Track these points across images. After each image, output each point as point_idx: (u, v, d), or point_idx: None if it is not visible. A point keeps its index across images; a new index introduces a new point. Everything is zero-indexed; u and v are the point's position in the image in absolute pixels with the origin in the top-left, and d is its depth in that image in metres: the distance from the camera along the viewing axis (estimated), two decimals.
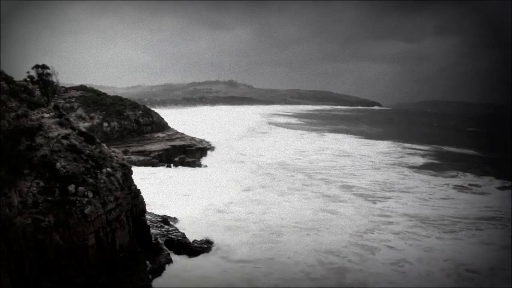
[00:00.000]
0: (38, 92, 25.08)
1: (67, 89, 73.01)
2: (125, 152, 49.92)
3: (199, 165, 56.14)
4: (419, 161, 65.42)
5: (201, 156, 60.77)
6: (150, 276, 20.77)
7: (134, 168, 24.85)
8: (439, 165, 61.22)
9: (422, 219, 33.13)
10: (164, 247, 24.13)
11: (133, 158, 53.41)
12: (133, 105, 73.62)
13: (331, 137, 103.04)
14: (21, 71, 27.92)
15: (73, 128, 21.96)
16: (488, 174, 51.87)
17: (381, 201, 39.21)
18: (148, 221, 25.29)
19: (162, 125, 73.88)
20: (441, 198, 40.63)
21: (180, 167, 55.21)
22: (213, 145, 66.06)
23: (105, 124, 64.10)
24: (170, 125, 76.66)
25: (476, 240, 28.80)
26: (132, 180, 22.97)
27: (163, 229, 26.78)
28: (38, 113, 20.78)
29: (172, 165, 55.73)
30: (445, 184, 47.30)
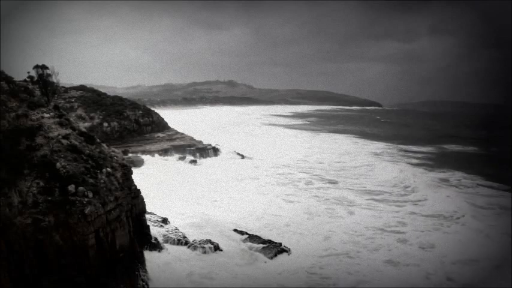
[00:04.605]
0: (38, 92, 25.11)
1: (67, 89, 73.01)
2: (125, 152, 49.90)
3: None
4: (417, 160, 65.55)
5: (201, 157, 60.82)
6: (150, 276, 20.75)
7: (134, 169, 24.86)
8: (435, 164, 61.45)
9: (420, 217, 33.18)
10: (164, 247, 24.14)
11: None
12: (133, 105, 73.64)
13: (332, 137, 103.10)
14: (21, 71, 27.99)
15: (73, 128, 21.97)
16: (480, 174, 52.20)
17: (380, 199, 39.27)
18: (148, 221, 25.29)
19: (162, 125, 73.86)
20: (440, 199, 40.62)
21: (180, 166, 55.21)
22: (213, 145, 66.05)
23: (105, 124, 64.09)
24: (170, 125, 76.65)
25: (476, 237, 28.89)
26: (132, 180, 22.96)
27: (163, 229, 26.77)
28: (38, 113, 20.78)
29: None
30: (443, 181, 47.51)
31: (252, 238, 27.68)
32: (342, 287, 21.50)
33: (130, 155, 54.15)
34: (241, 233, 28.60)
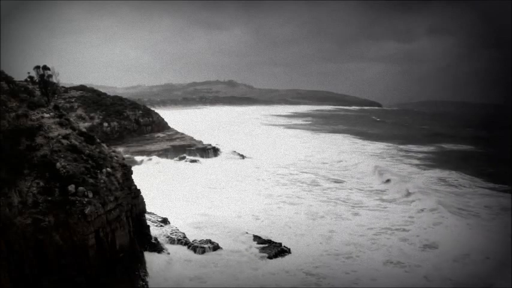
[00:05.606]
0: (38, 92, 25.14)
1: (67, 89, 73.13)
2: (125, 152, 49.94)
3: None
4: (418, 161, 65.58)
5: (201, 157, 60.86)
6: (150, 276, 20.76)
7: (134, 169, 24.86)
8: (435, 164, 61.56)
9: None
10: (164, 247, 24.15)
11: None
12: (133, 105, 73.81)
13: (332, 137, 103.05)
14: (21, 71, 28.06)
15: (73, 128, 22.00)
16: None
17: (385, 198, 39.30)
18: (148, 221, 25.30)
19: (162, 125, 73.97)
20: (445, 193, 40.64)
21: (180, 166, 55.22)
22: (213, 145, 66.02)
23: (105, 124, 64.16)
24: (170, 125, 76.69)
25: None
26: (132, 180, 23.00)
27: (163, 229, 26.78)
28: (38, 113, 20.81)
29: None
30: (441, 181, 47.64)
31: (253, 238, 27.66)
32: (338, 287, 21.50)
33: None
34: (243, 233, 28.58)
